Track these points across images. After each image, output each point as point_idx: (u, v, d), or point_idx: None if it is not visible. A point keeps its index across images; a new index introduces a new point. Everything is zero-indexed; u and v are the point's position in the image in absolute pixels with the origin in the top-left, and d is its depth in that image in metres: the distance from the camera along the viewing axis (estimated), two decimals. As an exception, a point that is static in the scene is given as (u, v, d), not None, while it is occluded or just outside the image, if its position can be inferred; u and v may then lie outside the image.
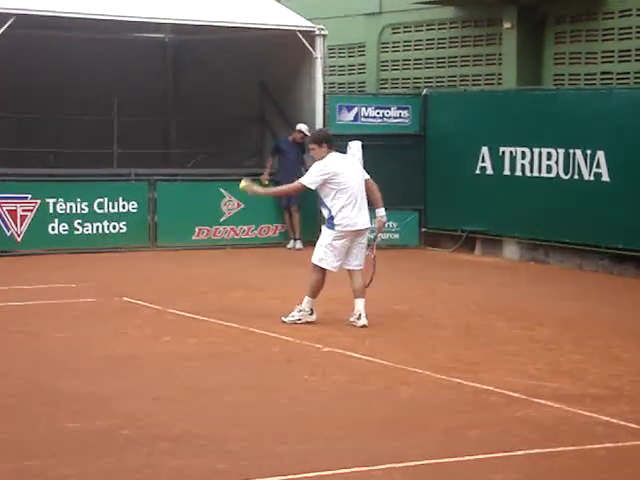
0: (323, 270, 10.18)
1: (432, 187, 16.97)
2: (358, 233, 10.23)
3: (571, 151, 14.80)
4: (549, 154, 15.15)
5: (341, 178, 10.14)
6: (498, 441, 6.49)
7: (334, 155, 10.26)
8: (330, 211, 10.18)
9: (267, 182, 16.82)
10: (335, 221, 10.13)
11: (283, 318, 10.17)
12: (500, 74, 17.71)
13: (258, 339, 9.54)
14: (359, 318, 10.07)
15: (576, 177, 14.78)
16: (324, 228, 10.35)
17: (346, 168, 10.29)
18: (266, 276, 13.66)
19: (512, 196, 15.70)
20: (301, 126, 16.82)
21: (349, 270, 10.28)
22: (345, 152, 16.75)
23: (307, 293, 10.22)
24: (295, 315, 10.16)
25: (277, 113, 18.53)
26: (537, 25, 17.28)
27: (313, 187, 10.18)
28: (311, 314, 10.21)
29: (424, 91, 17.37)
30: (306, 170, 17.14)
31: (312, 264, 10.21)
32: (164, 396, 7.47)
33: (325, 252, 10.14)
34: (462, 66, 18.43)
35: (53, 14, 15.79)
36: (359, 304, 10.14)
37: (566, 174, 14.93)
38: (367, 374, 8.24)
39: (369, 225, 10.42)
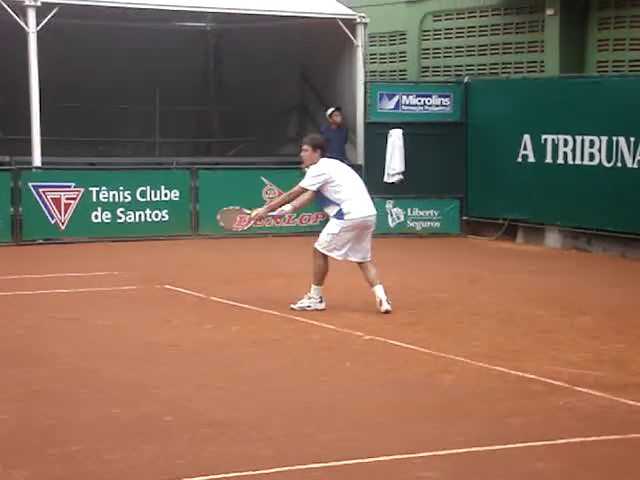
0: (325, 256, 10.30)
1: (473, 175, 16.90)
2: (366, 225, 10.33)
3: (614, 139, 14.68)
4: (592, 142, 15.02)
5: (338, 178, 10.36)
6: (540, 429, 6.47)
7: (325, 160, 10.45)
8: (339, 205, 10.31)
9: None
10: (344, 211, 10.27)
11: (292, 305, 10.25)
12: (542, 61, 17.56)
13: (299, 327, 9.57)
14: (381, 304, 10.11)
15: (619, 165, 14.65)
16: (332, 219, 10.48)
17: (338, 168, 10.52)
18: (307, 264, 13.63)
19: (554, 184, 15.60)
20: (331, 109, 16.85)
21: (359, 264, 10.38)
22: (386, 140, 16.80)
23: (312, 281, 10.30)
24: (305, 302, 10.27)
25: (318, 101, 18.54)
26: (580, 11, 17.12)
27: (314, 188, 10.33)
28: (320, 302, 10.27)
29: (466, 79, 17.29)
30: (347, 160, 17.29)
31: (314, 249, 10.36)
32: (206, 383, 7.52)
33: (329, 240, 10.30)
34: (504, 53, 18.31)
35: (96, 4, 15.91)
36: (378, 291, 10.21)
37: (609, 162, 14.81)
38: (408, 362, 8.24)
39: (375, 213, 10.48)
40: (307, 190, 10.37)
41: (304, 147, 10.48)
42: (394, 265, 13.86)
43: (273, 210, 10.57)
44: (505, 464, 5.88)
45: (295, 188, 10.54)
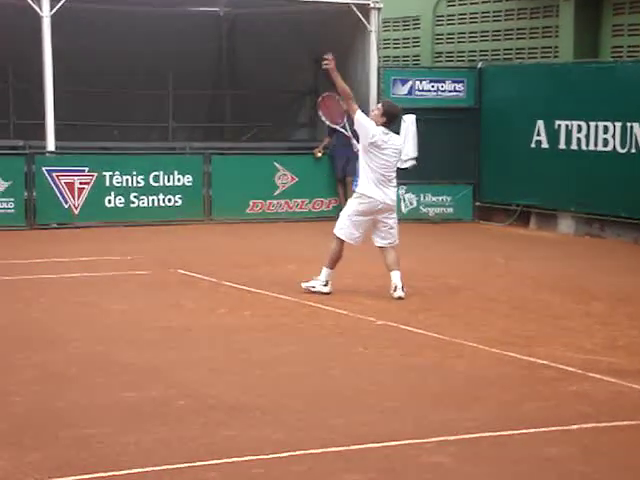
0: (341, 241, 10.30)
1: (486, 161, 16.87)
2: (376, 210, 10.24)
3: (628, 124, 14.62)
4: (606, 127, 14.97)
5: (378, 154, 10.17)
6: (553, 415, 6.47)
7: (384, 129, 10.23)
8: (358, 178, 10.43)
9: (320, 155, 16.87)
10: (358, 188, 10.40)
11: (302, 284, 10.37)
12: (557, 47, 17.49)
13: (312, 312, 9.58)
14: (395, 290, 10.11)
15: (633, 151, 14.61)
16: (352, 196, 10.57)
17: (388, 146, 10.25)
18: (319, 249, 13.61)
19: (567, 170, 15.56)
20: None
21: (380, 247, 10.37)
22: (400, 125, 16.76)
23: (325, 264, 10.34)
24: (311, 282, 10.33)
25: (331, 86, 18.49)
26: (595, -4, 17.04)
27: (355, 115, 10.13)
28: (325, 285, 10.30)
29: (479, 64, 17.24)
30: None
31: (333, 234, 10.39)
32: (219, 367, 7.55)
33: (345, 223, 10.32)
34: (518, 39, 18.24)
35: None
36: (394, 277, 10.22)
37: (623, 148, 14.76)
38: (421, 347, 8.24)
39: (387, 201, 10.26)
40: (355, 110, 10.14)
41: (377, 106, 10.62)
42: (407, 251, 13.81)
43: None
44: (518, 449, 5.89)
45: (353, 105, 10.25)
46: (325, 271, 10.33)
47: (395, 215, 10.49)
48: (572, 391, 7.03)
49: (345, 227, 10.32)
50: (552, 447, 5.89)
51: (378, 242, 10.39)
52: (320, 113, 11.18)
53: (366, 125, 10.14)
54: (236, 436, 5.97)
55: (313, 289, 10.28)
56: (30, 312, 9.44)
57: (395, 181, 10.42)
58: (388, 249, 10.34)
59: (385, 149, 10.17)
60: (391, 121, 10.29)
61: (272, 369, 7.53)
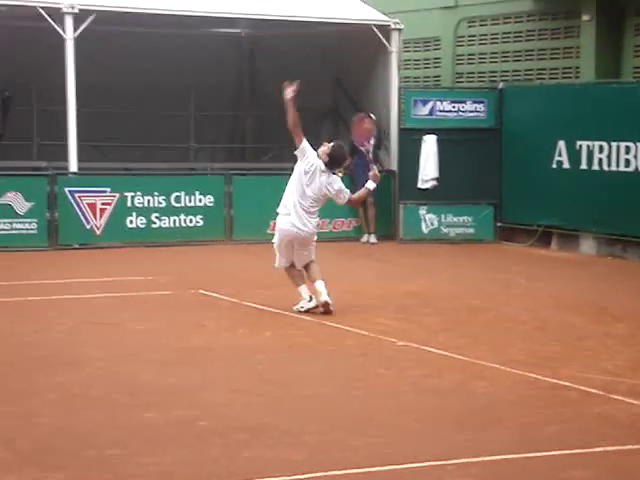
0: (288, 266, 10.60)
1: (508, 181, 16.84)
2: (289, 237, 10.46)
3: (651, 145, 14.58)
4: (627, 148, 14.93)
5: (295, 177, 10.58)
6: (575, 437, 6.44)
7: (312, 152, 10.47)
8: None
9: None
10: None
11: (294, 307, 10.43)
12: (578, 67, 17.48)
13: (332, 332, 9.58)
14: (321, 295, 10.24)
15: (656, 171, 14.56)
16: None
17: (307, 169, 10.48)
18: (340, 270, 13.68)
19: (589, 190, 15.51)
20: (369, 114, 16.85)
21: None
22: (420, 146, 16.78)
23: (295, 285, 10.49)
24: (300, 304, 10.39)
25: (352, 107, 18.55)
26: (616, 17, 17.02)
27: (300, 144, 10.38)
28: (310, 300, 10.37)
29: (500, 85, 17.25)
30: (381, 166, 17.24)
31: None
32: (240, 388, 7.55)
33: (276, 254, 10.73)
34: (539, 59, 18.23)
35: (132, 10, 16.02)
36: (318, 285, 10.32)
37: (645, 168, 14.72)
38: (442, 368, 8.22)
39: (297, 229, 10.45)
40: (301, 141, 10.30)
41: (328, 145, 10.44)
42: (428, 271, 13.85)
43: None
44: (540, 472, 5.85)
45: (301, 135, 10.36)
46: (301, 289, 10.43)
47: (313, 241, 10.59)
48: (595, 413, 6.99)
49: (277, 258, 10.58)
50: (575, 470, 5.86)
51: (298, 266, 10.48)
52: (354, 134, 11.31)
53: (308, 152, 10.33)
54: (257, 457, 5.96)
55: (302, 309, 10.37)
56: (52, 333, 9.48)
57: (315, 215, 10.53)
58: (309, 264, 10.47)
59: (311, 184, 10.34)
60: (332, 166, 10.36)
61: (293, 390, 7.53)
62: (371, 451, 6.08)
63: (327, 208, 16.75)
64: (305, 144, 10.33)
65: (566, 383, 7.72)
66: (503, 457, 6.02)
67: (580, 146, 15.61)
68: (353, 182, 17.04)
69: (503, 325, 10.07)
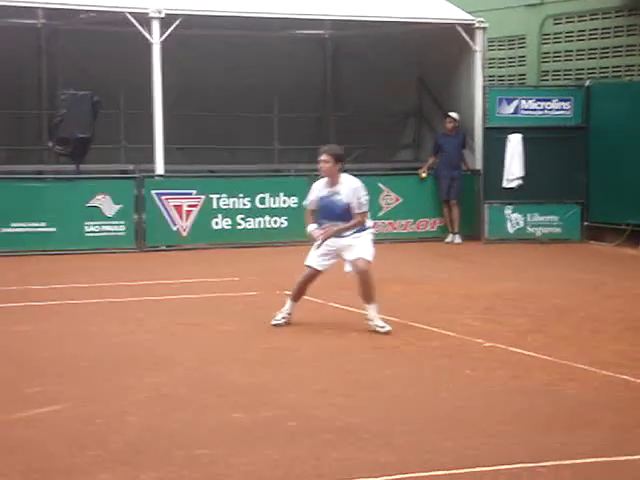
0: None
1: (595, 180, 16.61)
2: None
3: None
4: None
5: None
6: (668, 440, 6.32)
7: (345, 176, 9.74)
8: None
9: (424, 175, 16.85)
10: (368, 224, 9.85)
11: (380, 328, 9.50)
12: (667, 63, 17.18)
13: (418, 333, 9.54)
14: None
15: None
16: (365, 234, 9.74)
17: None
18: (425, 270, 13.64)
19: (680, 188, 15.22)
20: (450, 114, 16.77)
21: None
22: (505, 145, 16.64)
23: (373, 298, 9.54)
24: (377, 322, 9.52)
25: (435, 107, 18.47)
26: None
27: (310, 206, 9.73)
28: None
29: (587, 82, 17.01)
30: (466, 165, 17.16)
31: (365, 269, 9.52)
32: (327, 389, 7.56)
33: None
34: (627, 56, 17.94)
35: (217, 14, 16.17)
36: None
37: None
38: (530, 370, 8.13)
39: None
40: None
41: (324, 159, 9.58)
42: (514, 271, 13.72)
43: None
44: (632, 475, 5.76)
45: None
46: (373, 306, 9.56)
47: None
48: (688, 416, 6.86)
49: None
50: (669, 473, 5.75)
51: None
52: None
53: (312, 193, 9.78)
54: (345, 459, 5.96)
55: (383, 329, 9.43)
56: (140, 333, 9.61)
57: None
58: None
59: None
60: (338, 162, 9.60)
61: (380, 391, 7.52)
62: (460, 453, 6.05)
63: (412, 208, 16.81)
64: (306, 201, 9.85)
65: (658, 385, 7.58)
66: (594, 460, 5.93)
67: (669, 144, 15.32)
68: (438, 182, 17.00)
69: (592, 326, 9.92)
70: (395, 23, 17.28)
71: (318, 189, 9.80)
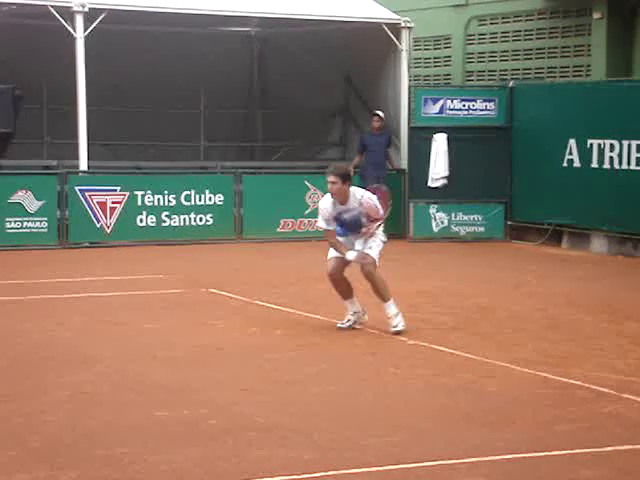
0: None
1: (518, 179, 16.82)
2: None
3: (662, 143, 14.54)
4: (638, 146, 14.89)
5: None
6: (586, 437, 6.42)
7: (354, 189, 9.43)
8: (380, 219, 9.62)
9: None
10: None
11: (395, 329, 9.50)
12: (589, 65, 17.45)
13: (343, 331, 9.56)
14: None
15: (667, 170, 14.52)
16: (380, 235, 9.70)
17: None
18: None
19: (600, 189, 15.48)
20: (377, 112, 16.84)
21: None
22: (430, 144, 16.76)
23: (388, 296, 9.50)
24: (395, 321, 9.50)
25: (362, 105, 18.54)
26: (628, 15, 16.98)
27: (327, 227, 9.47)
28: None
29: (511, 83, 17.22)
30: (391, 164, 17.24)
31: (371, 270, 9.44)
32: (250, 387, 7.54)
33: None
34: (550, 58, 18.21)
35: (142, 9, 16.03)
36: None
37: (656, 167, 14.68)
38: (453, 367, 8.21)
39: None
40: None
41: (331, 179, 9.19)
42: (438, 270, 13.84)
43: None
44: (551, 471, 5.84)
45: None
46: (389, 304, 9.52)
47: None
48: (606, 412, 6.97)
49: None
50: (586, 469, 5.84)
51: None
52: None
53: (321, 216, 9.49)
54: (267, 456, 5.96)
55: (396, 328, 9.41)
56: (62, 331, 9.49)
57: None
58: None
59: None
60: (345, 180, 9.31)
61: (303, 389, 7.52)
62: (382, 450, 6.07)
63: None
64: (321, 224, 9.56)
65: (577, 382, 7.69)
66: (513, 456, 6.00)
67: (591, 144, 15.57)
68: (364, 181, 17.06)
69: (513, 324, 10.05)
70: (322, 21, 17.30)
71: (327, 209, 9.38)
